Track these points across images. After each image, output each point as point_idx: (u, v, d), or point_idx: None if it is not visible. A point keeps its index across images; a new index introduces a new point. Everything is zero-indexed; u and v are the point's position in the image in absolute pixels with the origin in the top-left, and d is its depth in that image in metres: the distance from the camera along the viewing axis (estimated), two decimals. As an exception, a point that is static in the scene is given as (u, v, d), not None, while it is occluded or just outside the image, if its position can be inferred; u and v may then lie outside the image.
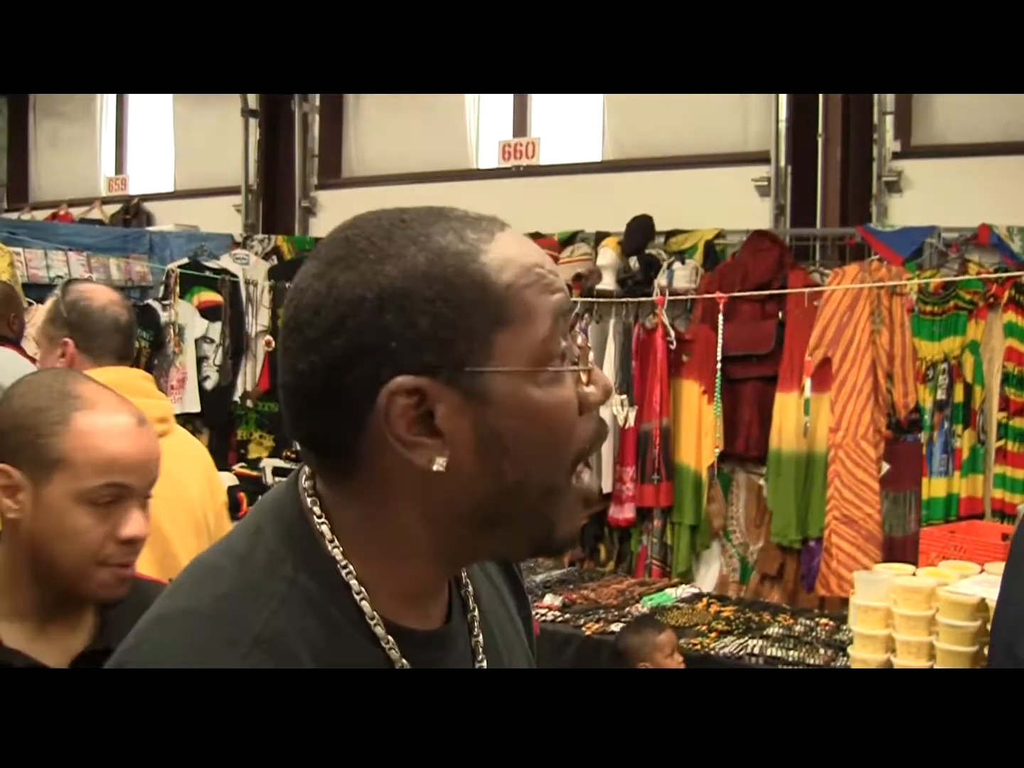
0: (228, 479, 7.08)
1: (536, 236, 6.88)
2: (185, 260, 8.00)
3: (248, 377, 8.07)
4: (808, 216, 6.60)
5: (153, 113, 10.20)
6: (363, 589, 1.07)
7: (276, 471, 7.09)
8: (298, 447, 1.13)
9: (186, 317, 7.87)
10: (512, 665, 1.26)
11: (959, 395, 5.54)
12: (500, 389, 1.02)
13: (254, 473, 7.23)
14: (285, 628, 1.02)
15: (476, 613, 1.22)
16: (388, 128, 8.63)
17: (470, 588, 1.23)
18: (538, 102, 8.04)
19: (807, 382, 5.77)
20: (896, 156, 6.38)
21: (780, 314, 6.07)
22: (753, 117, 6.86)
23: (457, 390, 1.02)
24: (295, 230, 8.85)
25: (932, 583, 4.01)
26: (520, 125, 8.10)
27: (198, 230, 8.58)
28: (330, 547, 1.07)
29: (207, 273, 7.92)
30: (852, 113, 6.44)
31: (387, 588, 1.09)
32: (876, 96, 6.37)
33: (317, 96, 8.87)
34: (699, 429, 6.21)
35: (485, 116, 8.36)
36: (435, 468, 1.02)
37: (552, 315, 1.06)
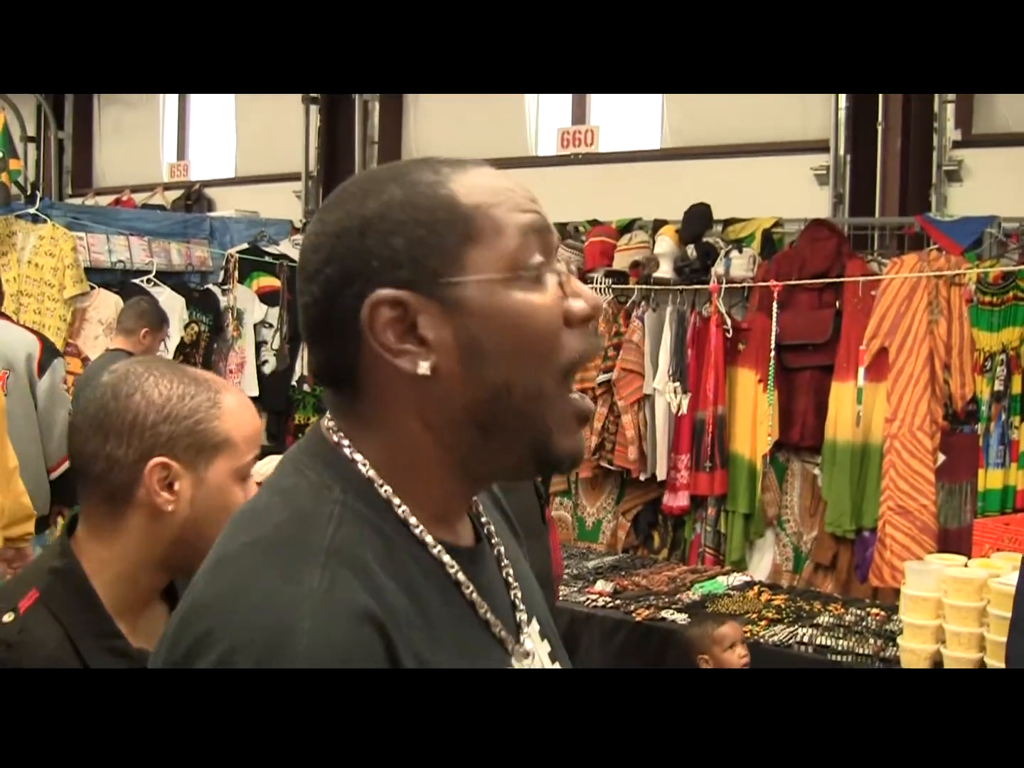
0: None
1: (595, 223, 6.92)
2: (245, 245, 8.09)
3: (306, 362, 8.15)
4: (867, 205, 6.58)
5: (215, 100, 10.31)
6: (403, 504, 1.16)
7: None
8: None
9: (245, 302, 7.95)
10: (530, 593, 1.33)
11: (1017, 386, 5.49)
12: (475, 297, 1.12)
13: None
14: (349, 541, 1.09)
15: (495, 541, 1.31)
16: (448, 115, 8.66)
17: (489, 524, 1.32)
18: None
19: (861, 371, 5.75)
20: (956, 145, 6.34)
21: (837, 303, 6.06)
22: (813, 106, 6.83)
23: (435, 301, 1.11)
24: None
25: (983, 574, 4.01)
26: (579, 113, 8.12)
27: (258, 216, 8.65)
28: (364, 470, 1.16)
29: (266, 259, 8.01)
30: (912, 102, 6.40)
31: (418, 507, 1.17)
32: (937, 84, 6.32)
33: (377, 83, 8.92)
34: (754, 418, 6.20)
35: (545, 104, 8.37)
36: (421, 372, 1.12)
37: (521, 230, 1.14)
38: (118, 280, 7.49)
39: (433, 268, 1.11)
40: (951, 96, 6.34)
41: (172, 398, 1.74)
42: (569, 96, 8.15)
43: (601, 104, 8.07)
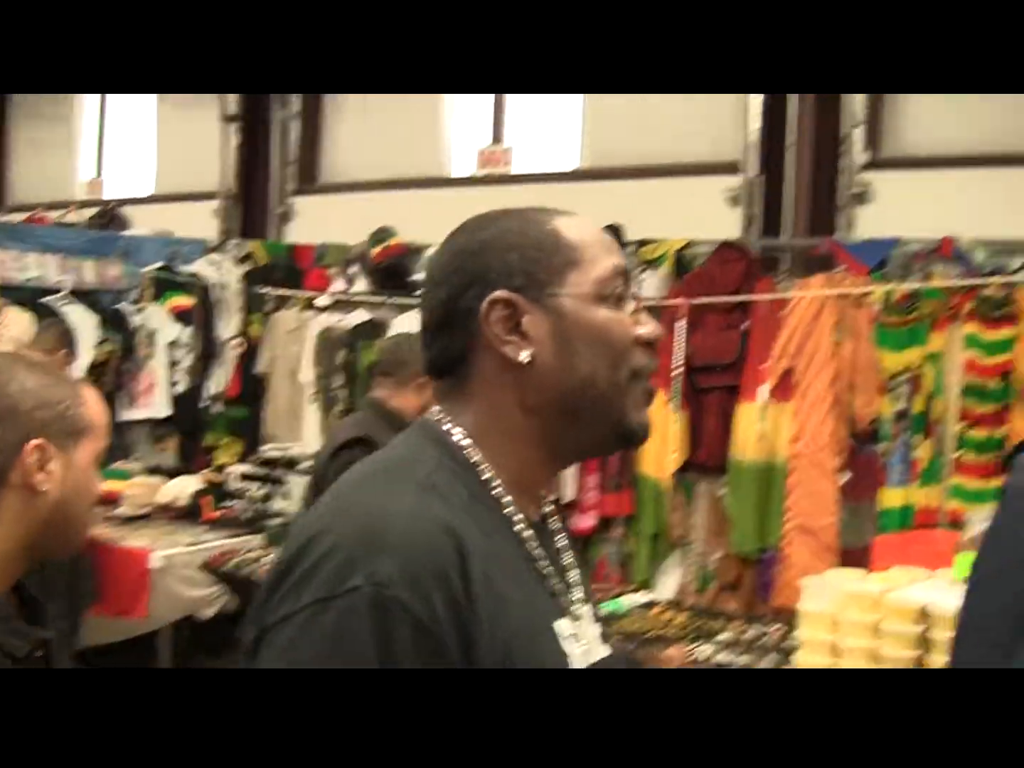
0: (192, 483, 7.07)
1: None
2: (159, 264, 8.00)
3: (218, 383, 8.06)
4: (777, 227, 6.59)
5: (133, 117, 10.21)
6: (488, 469, 1.42)
7: (243, 476, 7.06)
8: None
9: (158, 321, 7.86)
10: (583, 582, 1.58)
11: (919, 406, 5.50)
12: (571, 307, 1.42)
13: (219, 478, 7.20)
14: (440, 481, 1.36)
15: (557, 527, 1.58)
16: (365, 135, 8.63)
17: (555, 515, 1.59)
18: (513, 111, 8.04)
19: (762, 388, 5.76)
20: (864, 167, 6.38)
21: (746, 324, 6.07)
22: (724, 128, 6.84)
23: (539, 306, 1.42)
24: (270, 235, 8.84)
25: (879, 588, 4.00)
26: (497, 131, 8.10)
27: (173, 235, 8.56)
28: (458, 438, 1.43)
29: (180, 278, 7.92)
30: (822, 124, 6.43)
31: (501, 471, 1.43)
32: (845, 107, 6.38)
33: (296, 102, 8.87)
34: (663, 438, 6.19)
35: (461, 125, 8.35)
36: (522, 359, 1.41)
37: (610, 266, 1.45)
38: (29, 298, 7.38)
39: (541, 280, 1.42)
40: (859, 119, 6.38)
41: (44, 385, 1.90)
42: (486, 116, 8.13)
43: (517, 125, 8.06)
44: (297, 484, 6.75)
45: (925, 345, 5.53)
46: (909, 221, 5.93)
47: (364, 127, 8.64)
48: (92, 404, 1.97)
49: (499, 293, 1.41)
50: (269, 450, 7.31)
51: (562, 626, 1.43)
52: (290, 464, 6.87)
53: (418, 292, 1.66)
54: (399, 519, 1.26)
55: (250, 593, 5.71)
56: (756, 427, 5.81)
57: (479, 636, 1.26)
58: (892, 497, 5.51)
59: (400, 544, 1.23)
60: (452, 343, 1.45)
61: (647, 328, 1.47)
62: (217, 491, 6.98)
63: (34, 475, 1.86)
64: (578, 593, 1.51)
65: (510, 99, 8.06)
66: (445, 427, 1.44)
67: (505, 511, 1.42)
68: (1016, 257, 5.54)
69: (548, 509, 1.57)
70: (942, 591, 3.89)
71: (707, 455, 6.14)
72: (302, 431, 7.73)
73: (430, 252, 7.33)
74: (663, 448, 6.16)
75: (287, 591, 1.26)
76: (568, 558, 1.55)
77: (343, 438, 4.35)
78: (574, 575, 1.54)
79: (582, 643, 1.47)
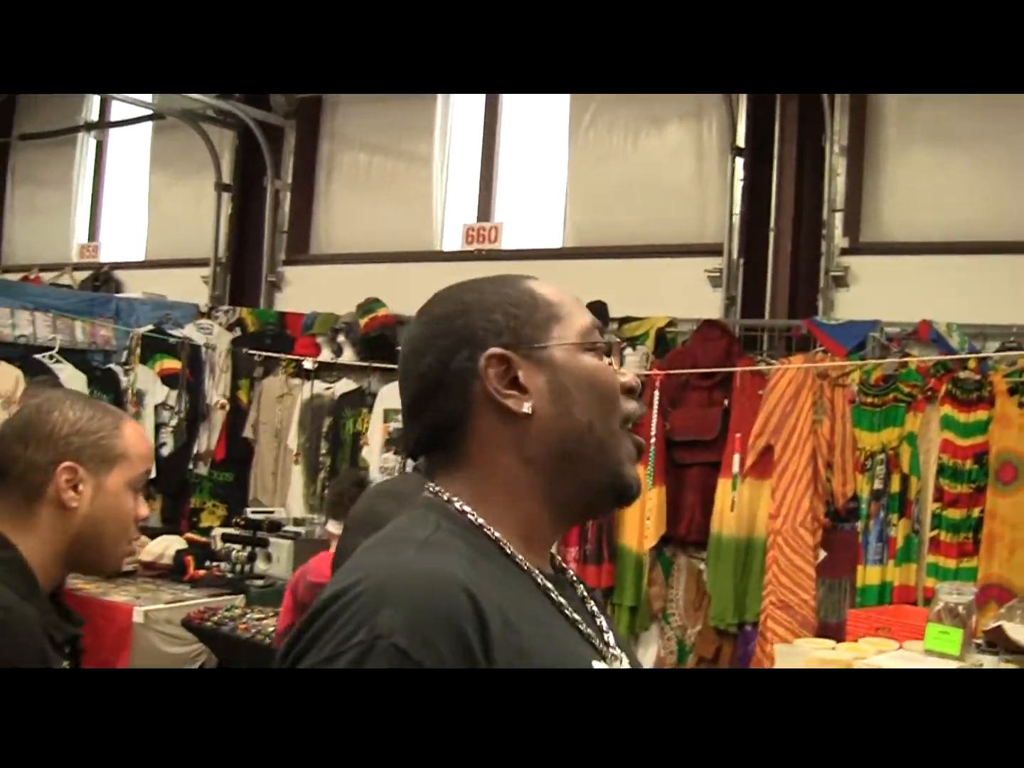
0: (177, 542, 7.03)
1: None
2: (150, 327, 8.01)
3: (204, 445, 8.06)
4: (758, 308, 6.65)
5: (128, 183, 10.26)
6: (495, 531, 1.39)
7: (226, 538, 7.02)
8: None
9: (146, 383, 7.85)
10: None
11: (895, 485, 5.55)
12: (560, 357, 1.43)
13: (203, 539, 7.17)
14: (444, 539, 1.34)
15: (575, 578, 1.56)
16: (356, 208, 8.70)
17: (568, 568, 1.57)
18: (503, 189, 8.13)
19: (736, 459, 5.81)
20: (844, 252, 6.47)
21: (726, 402, 6.11)
22: (709, 210, 6.94)
23: (531, 359, 1.42)
24: (260, 303, 8.87)
25: (849, 656, 4.00)
26: (484, 211, 8.17)
27: (165, 299, 8.57)
28: (458, 504, 1.41)
29: (171, 340, 7.93)
30: (803, 209, 6.53)
31: (510, 532, 1.41)
32: (827, 194, 6.47)
33: (289, 174, 8.94)
34: (642, 511, 6.19)
35: (451, 201, 8.43)
36: (524, 410, 1.40)
37: (588, 317, 1.47)
38: (20, 355, 7.37)
39: (527, 335, 1.43)
40: (839, 205, 6.48)
41: (83, 417, 2.10)
42: (475, 193, 8.21)
43: (505, 202, 8.14)
44: (279, 547, 6.73)
45: (902, 426, 5.59)
46: (886, 305, 6.02)
47: (355, 200, 8.72)
48: (129, 436, 2.16)
49: (493, 350, 1.41)
50: (253, 512, 7.28)
51: (601, 668, 1.41)
52: (273, 527, 6.84)
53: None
54: (401, 573, 1.26)
55: (230, 650, 5.67)
56: (736, 503, 5.82)
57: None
58: (869, 575, 5.55)
59: (401, 597, 1.22)
60: (445, 409, 1.42)
61: (627, 377, 1.48)
62: (201, 551, 6.94)
63: (65, 493, 2.06)
64: (611, 637, 1.48)
65: (500, 177, 8.14)
66: (442, 496, 1.42)
67: (519, 564, 1.40)
68: (991, 341, 5.61)
69: (559, 563, 1.54)
70: (910, 661, 3.89)
71: (687, 529, 6.15)
72: (287, 495, 7.74)
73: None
74: (643, 521, 6.17)
75: (305, 644, 1.26)
76: (592, 605, 1.52)
77: None
78: (603, 621, 1.50)
79: None
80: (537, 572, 1.40)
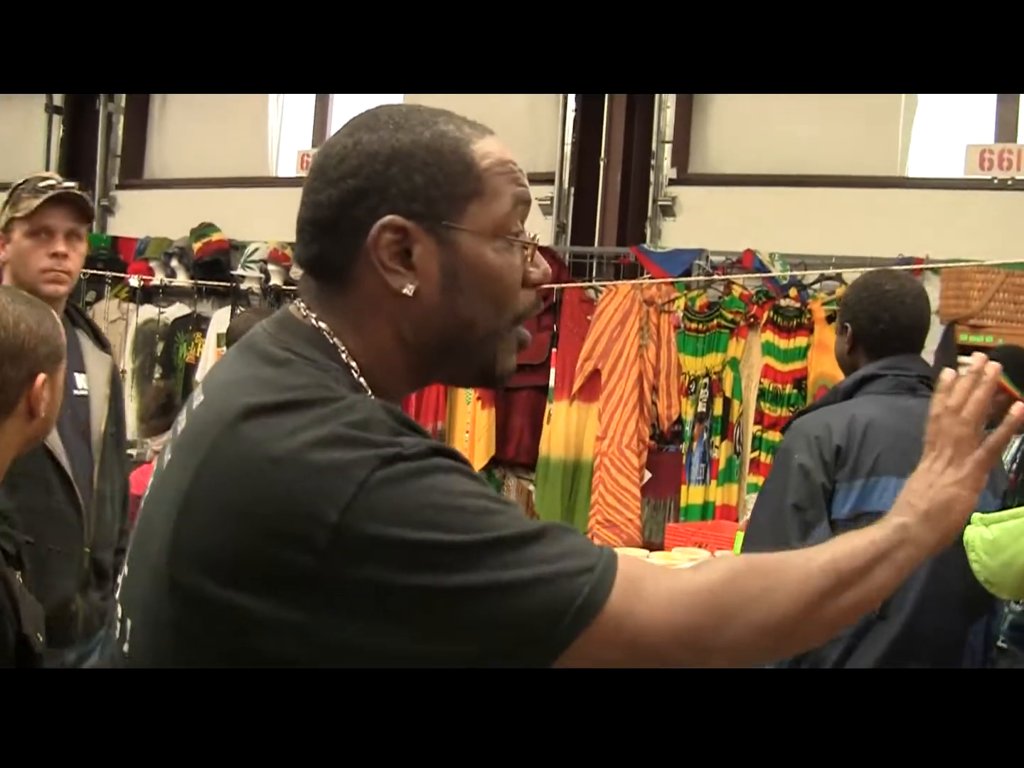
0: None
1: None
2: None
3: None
4: (588, 236, 6.56)
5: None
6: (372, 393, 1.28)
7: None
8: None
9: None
10: None
11: (718, 408, 5.56)
12: (464, 243, 1.28)
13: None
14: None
15: None
16: (191, 132, 8.29)
17: None
18: (338, 113, 7.83)
19: (552, 373, 5.83)
20: (672, 183, 6.40)
21: (555, 327, 5.99)
22: (542, 140, 6.78)
23: (432, 237, 1.27)
24: (92, 228, 8.42)
25: (662, 563, 3.94)
26: (319, 136, 7.88)
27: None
28: (344, 358, 1.28)
29: None
30: (634, 140, 6.43)
31: (369, 375, 1.29)
32: (656, 125, 6.38)
33: (123, 96, 8.48)
34: (472, 433, 6.06)
35: (286, 126, 8.11)
36: (405, 292, 1.27)
37: (513, 199, 1.31)
38: None
39: (440, 210, 1.27)
40: (668, 136, 6.40)
41: (40, 322, 2.01)
42: (310, 117, 7.91)
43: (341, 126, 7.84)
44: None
45: (725, 351, 5.59)
46: (712, 234, 5.99)
47: (190, 124, 8.31)
48: (62, 330, 2.12)
49: (393, 218, 1.25)
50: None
51: None
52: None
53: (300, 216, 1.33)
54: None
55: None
56: (565, 426, 5.75)
57: None
58: (693, 495, 5.58)
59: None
60: (333, 250, 1.29)
61: (538, 270, 1.35)
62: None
63: (39, 404, 2.00)
64: None
65: (335, 102, 7.85)
66: (328, 337, 1.29)
67: None
68: (811, 271, 5.60)
69: None
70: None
71: (516, 451, 6.06)
72: (120, 418, 7.40)
73: (252, 248, 7.08)
74: (474, 443, 6.05)
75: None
76: None
77: None
78: None
79: None
80: None
